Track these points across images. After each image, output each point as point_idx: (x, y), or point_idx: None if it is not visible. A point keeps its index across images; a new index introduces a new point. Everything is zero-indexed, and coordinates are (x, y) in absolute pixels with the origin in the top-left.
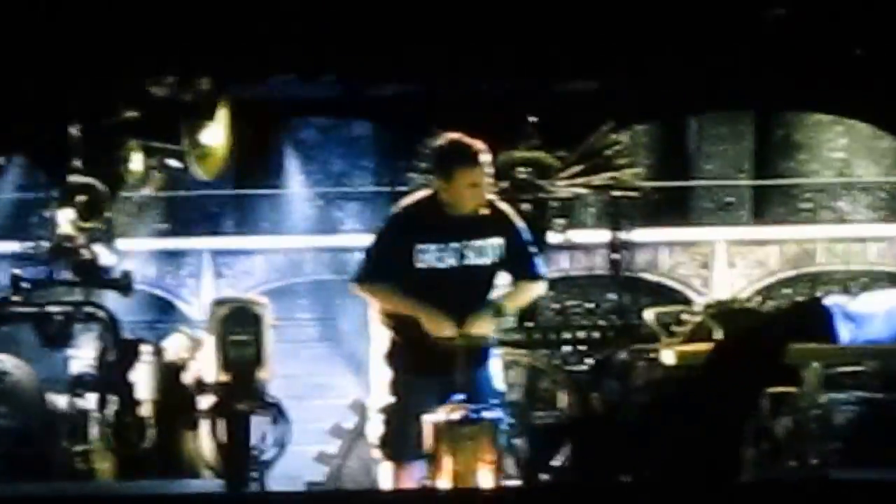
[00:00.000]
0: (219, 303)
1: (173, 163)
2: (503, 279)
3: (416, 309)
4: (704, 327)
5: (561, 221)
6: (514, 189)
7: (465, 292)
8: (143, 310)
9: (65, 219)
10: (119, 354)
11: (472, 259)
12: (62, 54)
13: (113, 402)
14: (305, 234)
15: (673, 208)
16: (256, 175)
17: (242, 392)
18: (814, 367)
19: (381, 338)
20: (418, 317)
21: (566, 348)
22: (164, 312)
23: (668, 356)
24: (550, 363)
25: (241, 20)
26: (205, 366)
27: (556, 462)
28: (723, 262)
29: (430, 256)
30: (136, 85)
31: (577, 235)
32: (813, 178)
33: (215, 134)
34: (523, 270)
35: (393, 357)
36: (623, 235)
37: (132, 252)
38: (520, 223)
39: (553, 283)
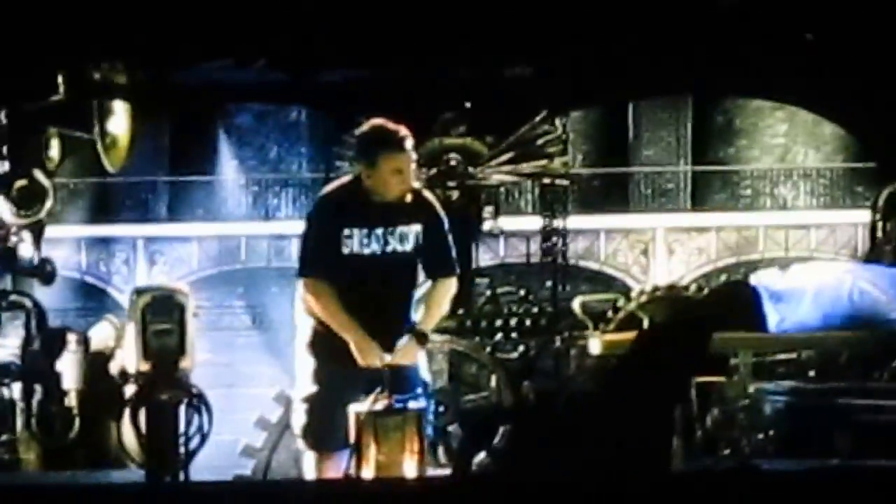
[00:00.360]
0: (140, 291)
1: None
2: (421, 276)
3: (349, 332)
4: (635, 316)
5: (490, 209)
6: (443, 176)
7: (389, 280)
8: (75, 297)
9: (2, 207)
10: (44, 343)
11: (395, 245)
12: None
13: (38, 392)
14: (240, 222)
15: (612, 195)
16: (191, 161)
17: (164, 382)
18: (742, 357)
19: (304, 326)
20: (348, 341)
21: (498, 336)
22: (96, 300)
23: (594, 345)
24: (482, 351)
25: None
26: (127, 355)
27: (487, 451)
28: (662, 250)
29: (354, 242)
30: (59, 69)
31: (514, 223)
32: (753, 165)
33: (120, 123)
34: (438, 262)
35: (316, 346)
36: (557, 223)
37: (64, 239)
38: (441, 213)
39: (489, 271)
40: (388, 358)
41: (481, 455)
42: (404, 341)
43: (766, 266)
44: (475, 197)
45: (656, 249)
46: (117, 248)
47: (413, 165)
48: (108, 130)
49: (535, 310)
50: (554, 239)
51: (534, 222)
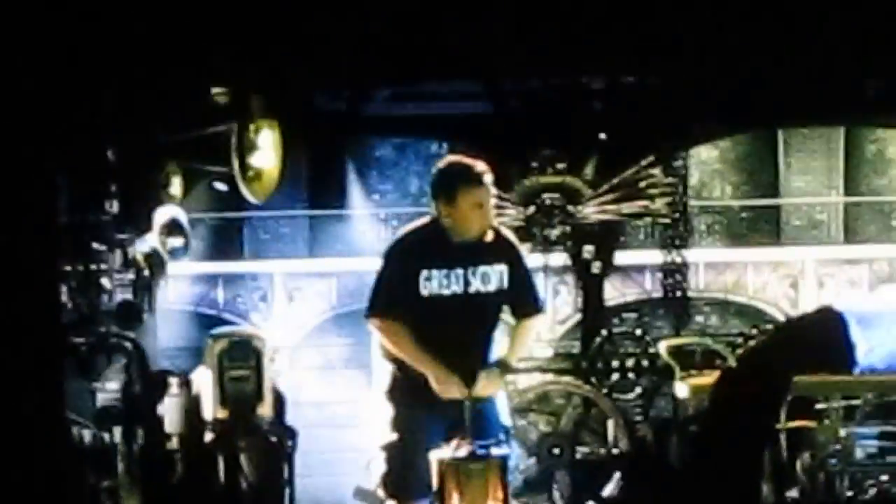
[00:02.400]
0: (216, 337)
1: (220, 186)
2: (506, 314)
3: (426, 365)
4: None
5: (590, 247)
6: (541, 214)
7: (470, 320)
8: None
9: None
10: (145, 386)
11: (477, 286)
12: (104, 70)
13: (140, 436)
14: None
15: (761, 227)
16: (330, 194)
17: (242, 428)
18: (831, 400)
19: (382, 372)
20: (427, 374)
21: (614, 376)
22: None
23: (681, 389)
24: (599, 394)
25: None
26: (205, 401)
27: (604, 494)
28: (812, 282)
29: (434, 283)
30: (182, 105)
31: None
32: None
33: (266, 156)
34: (524, 300)
35: (395, 392)
36: (677, 257)
37: (202, 276)
38: (523, 253)
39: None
40: (468, 391)
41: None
42: (486, 371)
43: None
44: (576, 235)
45: (806, 282)
46: (255, 284)
47: (493, 201)
48: (250, 164)
49: (652, 350)
50: (675, 274)
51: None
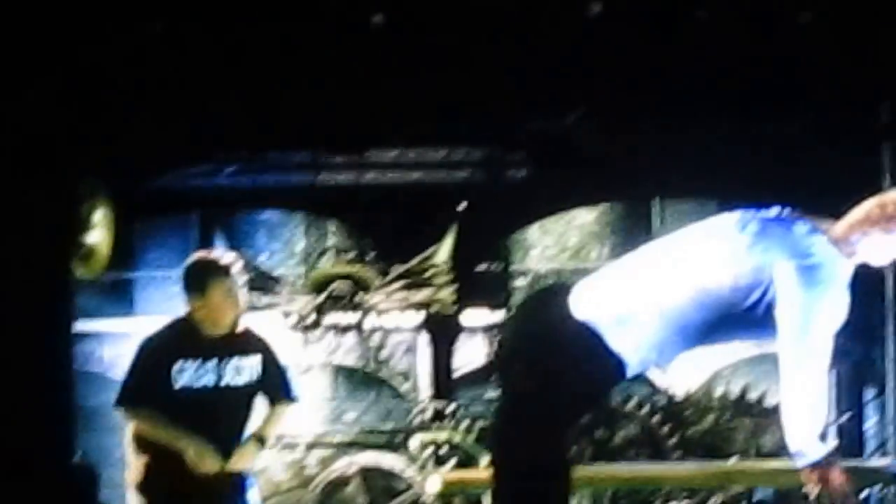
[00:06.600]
0: None
1: None
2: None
3: (180, 440)
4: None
5: (377, 336)
6: (331, 303)
7: (223, 413)
8: None
9: None
10: None
11: (230, 378)
12: None
13: None
14: None
15: None
16: None
17: None
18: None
19: (135, 464)
20: (181, 449)
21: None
22: None
23: (432, 484)
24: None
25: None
26: None
27: None
28: None
29: (187, 376)
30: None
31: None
32: None
33: (99, 233)
34: (278, 391)
35: (147, 485)
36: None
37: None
38: (274, 346)
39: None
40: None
41: None
42: (242, 444)
43: None
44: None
45: None
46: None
47: (244, 290)
48: (83, 242)
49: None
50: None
51: None
